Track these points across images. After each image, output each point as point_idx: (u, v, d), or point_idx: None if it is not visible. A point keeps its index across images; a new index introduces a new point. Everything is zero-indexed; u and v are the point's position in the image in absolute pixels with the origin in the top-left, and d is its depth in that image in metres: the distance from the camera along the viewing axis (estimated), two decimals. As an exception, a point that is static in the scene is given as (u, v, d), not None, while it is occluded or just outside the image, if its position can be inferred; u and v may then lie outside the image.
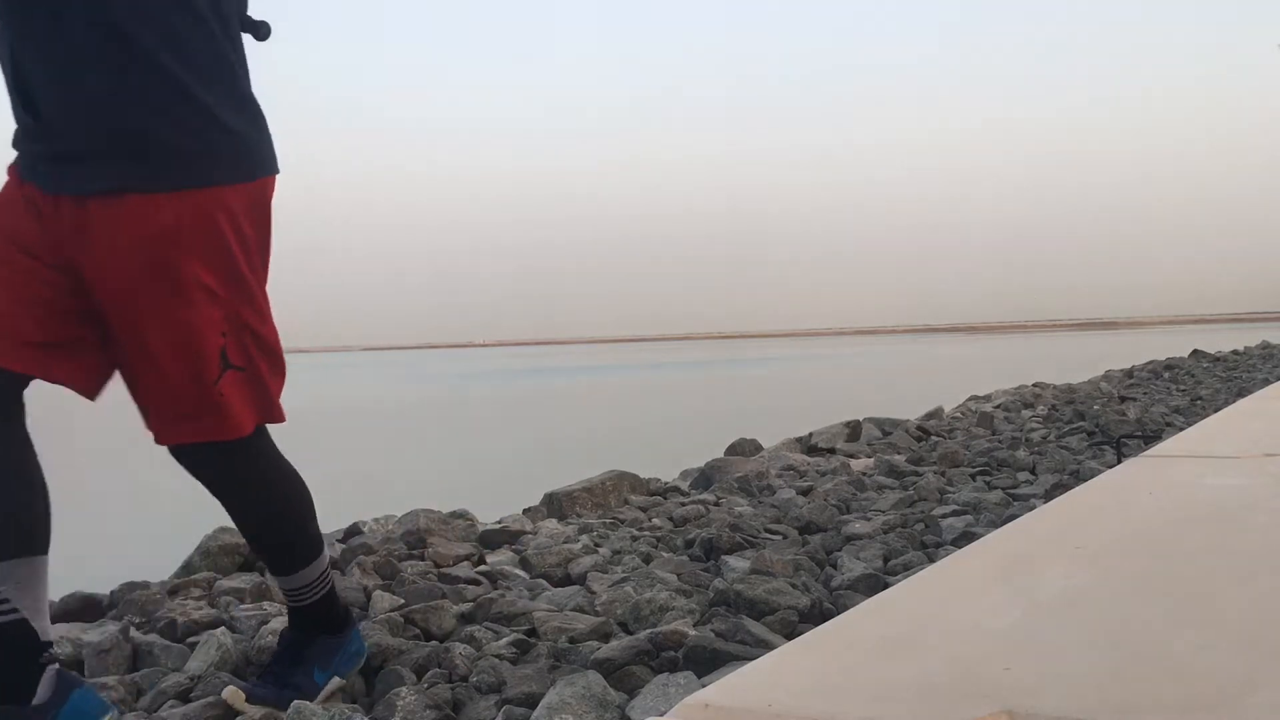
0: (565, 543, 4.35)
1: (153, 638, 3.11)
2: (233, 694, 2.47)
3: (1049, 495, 4.98)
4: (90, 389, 2.33)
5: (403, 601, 3.43)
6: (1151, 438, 6.70)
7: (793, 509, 5.03)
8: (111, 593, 3.78)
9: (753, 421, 10.81)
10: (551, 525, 4.94)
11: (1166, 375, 15.47)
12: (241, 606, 3.38)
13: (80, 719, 2.25)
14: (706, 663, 2.65)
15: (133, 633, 3.10)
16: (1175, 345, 25.13)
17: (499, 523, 4.96)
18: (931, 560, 3.64)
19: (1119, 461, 5.53)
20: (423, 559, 4.15)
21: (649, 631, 2.91)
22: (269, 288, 2.40)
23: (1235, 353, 21.20)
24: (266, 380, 2.38)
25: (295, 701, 2.47)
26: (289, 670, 2.58)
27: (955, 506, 5.00)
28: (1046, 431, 8.53)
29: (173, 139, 2.20)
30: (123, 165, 2.18)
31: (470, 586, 3.71)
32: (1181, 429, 6.15)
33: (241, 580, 3.77)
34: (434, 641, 3.10)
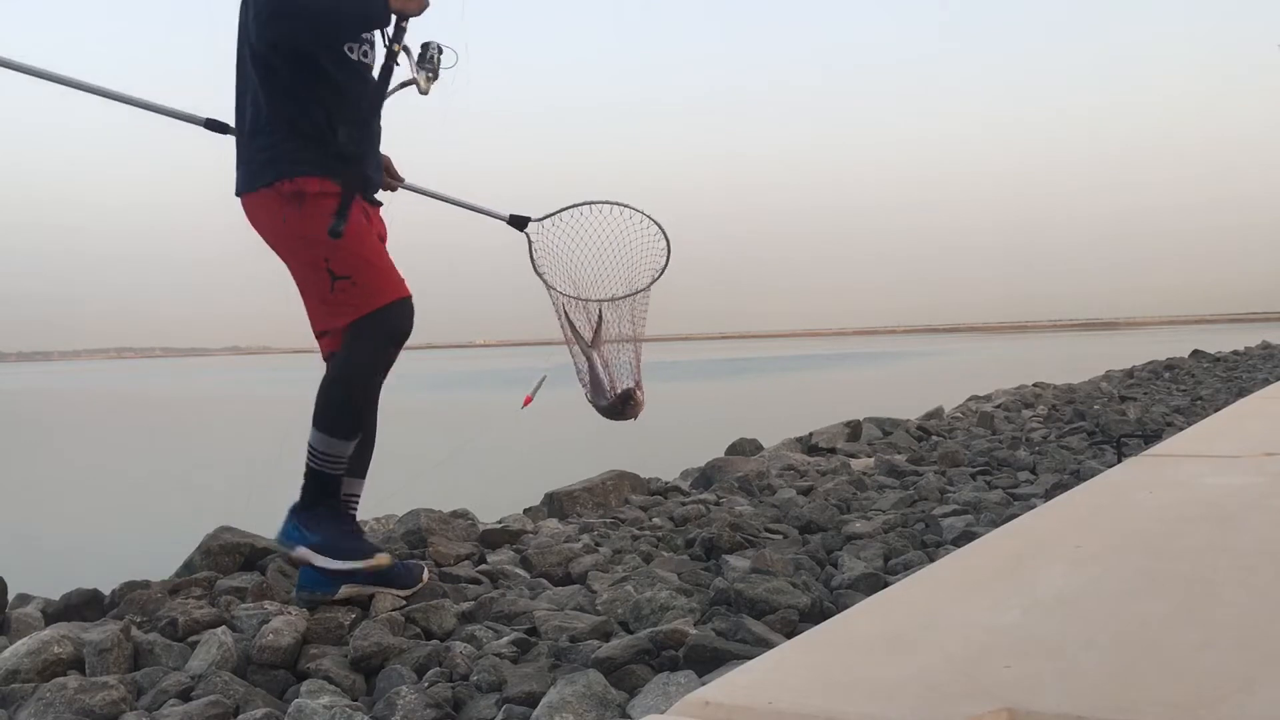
0: (566, 542, 4.35)
1: (154, 636, 3.11)
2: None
3: (1049, 495, 4.98)
4: None
5: (404, 601, 3.43)
6: (1151, 438, 6.70)
7: (793, 509, 5.03)
8: (113, 591, 3.77)
9: (753, 421, 10.81)
10: (552, 525, 4.94)
11: (1167, 375, 15.47)
12: (242, 606, 3.38)
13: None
14: (707, 662, 2.65)
15: (134, 631, 3.10)
16: (1175, 345, 25.13)
17: (500, 522, 4.95)
18: (932, 559, 3.64)
19: (1119, 461, 5.53)
20: (423, 558, 4.15)
21: (649, 630, 2.91)
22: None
23: (1235, 353, 21.21)
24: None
25: (296, 700, 2.47)
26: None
27: (955, 506, 5.00)
28: (1047, 431, 8.53)
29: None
30: None
31: (471, 586, 3.71)
32: (1181, 429, 6.14)
33: (242, 580, 3.76)
34: (435, 640, 3.10)
